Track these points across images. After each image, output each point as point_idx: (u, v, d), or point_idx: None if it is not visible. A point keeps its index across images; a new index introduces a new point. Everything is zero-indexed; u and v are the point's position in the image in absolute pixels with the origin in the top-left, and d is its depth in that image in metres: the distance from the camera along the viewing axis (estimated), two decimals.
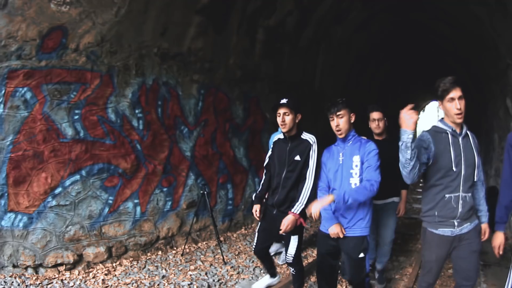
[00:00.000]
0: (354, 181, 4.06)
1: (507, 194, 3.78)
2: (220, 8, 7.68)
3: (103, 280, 6.30)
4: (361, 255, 4.06)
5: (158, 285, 6.29)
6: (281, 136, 4.89)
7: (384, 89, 16.39)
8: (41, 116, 6.22)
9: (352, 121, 4.15)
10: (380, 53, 12.93)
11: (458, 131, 3.59)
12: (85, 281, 6.23)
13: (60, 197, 6.40)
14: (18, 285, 5.80)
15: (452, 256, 3.75)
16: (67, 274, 6.33)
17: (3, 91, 5.92)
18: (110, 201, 6.90)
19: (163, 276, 6.57)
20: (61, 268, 6.34)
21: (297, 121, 4.61)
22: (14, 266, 6.02)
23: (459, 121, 3.50)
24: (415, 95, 25.66)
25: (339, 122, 4.06)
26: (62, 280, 6.16)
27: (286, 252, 4.79)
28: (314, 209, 3.93)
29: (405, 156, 3.38)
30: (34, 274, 6.12)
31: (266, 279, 5.70)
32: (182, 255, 7.46)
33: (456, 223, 3.59)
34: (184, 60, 7.77)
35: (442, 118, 3.69)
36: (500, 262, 6.21)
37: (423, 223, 3.86)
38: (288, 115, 4.50)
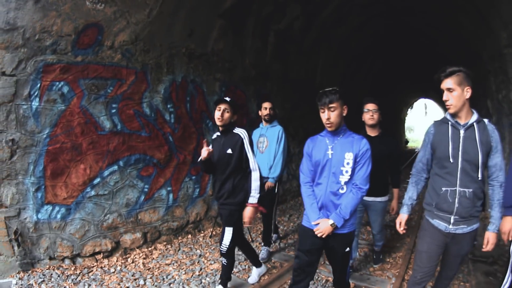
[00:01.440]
0: (344, 179, 2.79)
1: None
2: (239, 12, 6.26)
3: (143, 263, 4.85)
4: (347, 249, 2.91)
5: (198, 262, 4.97)
6: (218, 133, 3.83)
7: (376, 87, 14.47)
8: (79, 110, 4.71)
9: (344, 114, 2.83)
10: (372, 54, 11.39)
11: (461, 122, 2.61)
12: (125, 266, 4.76)
13: (98, 187, 4.91)
14: (58, 276, 4.29)
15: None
16: (105, 261, 4.85)
17: (38, 85, 4.39)
18: (146, 189, 5.41)
19: (200, 255, 5.19)
20: (99, 257, 4.85)
21: (232, 120, 3.67)
22: (50, 259, 4.50)
23: (450, 111, 2.62)
24: (404, 92, 22.67)
25: (330, 115, 2.75)
26: (101, 267, 4.67)
27: (220, 243, 3.69)
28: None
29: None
30: (72, 264, 4.61)
31: (254, 271, 4.35)
32: (210, 237, 6.00)
33: (452, 220, 2.63)
34: (208, 60, 6.27)
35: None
36: (488, 257, 4.77)
37: (424, 212, 2.91)
38: (227, 112, 3.60)
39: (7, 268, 4.17)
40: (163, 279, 4.40)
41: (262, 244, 5.21)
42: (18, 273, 4.18)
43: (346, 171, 2.78)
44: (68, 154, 4.63)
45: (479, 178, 2.54)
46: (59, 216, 4.58)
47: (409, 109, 26.97)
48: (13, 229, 4.23)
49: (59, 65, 4.48)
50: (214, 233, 6.14)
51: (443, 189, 2.62)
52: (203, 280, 4.43)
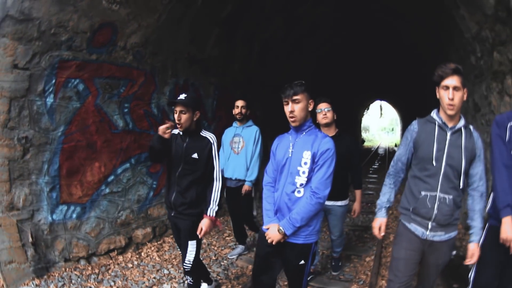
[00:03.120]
0: (300, 180, 2.05)
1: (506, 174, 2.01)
2: (232, 22, 5.66)
3: (158, 255, 4.09)
4: (302, 262, 2.10)
5: (209, 249, 4.36)
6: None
7: (337, 90, 13.16)
8: (94, 108, 3.80)
9: (310, 109, 2.15)
10: (336, 59, 10.89)
11: (449, 124, 1.99)
12: (141, 260, 3.96)
13: (113, 184, 4.02)
14: (78, 277, 3.38)
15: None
16: (120, 258, 3.98)
17: (53, 81, 3.43)
18: (154, 186, 4.59)
19: (208, 244, 4.53)
20: (113, 254, 3.96)
21: (195, 119, 2.58)
22: (65, 261, 3.54)
23: (450, 112, 1.94)
24: (361, 95, 19.84)
25: (294, 107, 2.06)
26: (118, 264, 3.81)
27: (183, 261, 2.64)
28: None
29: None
30: (87, 264, 3.67)
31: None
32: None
33: (429, 226, 2.02)
34: (205, 65, 5.56)
35: (438, 109, 2.08)
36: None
37: (400, 215, 2.21)
38: (184, 113, 2.51)
39: (20, 276, 3.15)
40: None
41: (237, 243, 4.27)
42: (33, 279, 3.20)
43: (303, 172, 2.04)
44: (84, 152, 3.71)
45: (460, 186, 2.00)
46: (74, 215, 3.64)
47: (365, 111, 24.08)
48: (26, 233, 3.23)
49: (74, 62, 3.56)
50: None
51: (423, 193, 2.02)
52: (221, 263, 3.90)
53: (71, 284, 3.24)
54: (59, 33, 3.39)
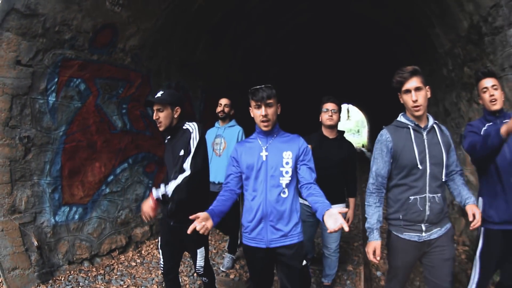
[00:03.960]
0: (285, 181, 1.86)
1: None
2: (220, 29, 5.53)
3: (158, 252, 3.83)
4: (304, 262, 1.90)
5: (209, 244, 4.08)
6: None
7: (308, 94, 12.65)
8: (94, 108, 3.46)
9: (278, 112, 1.96)
10: (308, 67, 10.64)
11: (421, 125, 1.82)
12: (144, 258, 3.68)
13: (112, 184, 3.68)
14: (85, 279, 3.05)
15: (423, 262, 1.91)
16: (122, 257, 3.66)
17: (56, 79, 3.06)
18: (150, 185, 4.29)
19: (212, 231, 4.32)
20: (114, 254, 3.62)
21: (176, 115, 2.15)
22: (69, 263, 3.16)
23: (418, 113, 1.77)
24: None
25: (268, 111, 1.84)
26: (121, 263, 3.51)
27: (195, 266, 2.31)
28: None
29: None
30: (91, 265, 3.32)
31: None
32: None
33: (424, 228, 1.81)
34: (194, 69, 5.37)
35: (405, 112, 1.89)
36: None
37: (388, 225, 1.96)
38: (161, 111, 2.12)
39: (24, 282, 2.74)
40: (189, 260, 3.53)
41: (227, 251, 3.57)
42: (38, 285, 2.80)
43: (286, 172, 1.86)
44: (84, 152, 3.35)
45: (444, 180, 1.84)
46: (77, 216, 3.27)
47: None
48: (29, 237, 2.82)
49: (77, 61, 3.21)
50: None
51: (412, 198, 1.80)
52: (223, 255, 3.78)
53: (80, 287, 2.90)
54: (63, 31, 3.04)
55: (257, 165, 1.87)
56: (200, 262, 2.30)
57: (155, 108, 2.15)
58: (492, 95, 2.00)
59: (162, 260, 2.30)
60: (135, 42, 3.93)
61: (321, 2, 6.25)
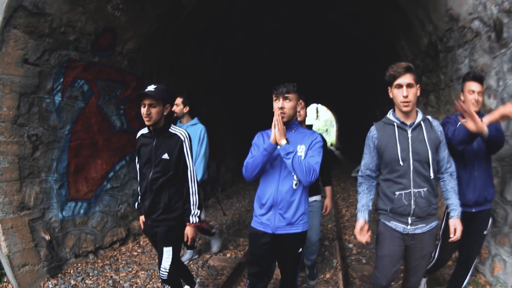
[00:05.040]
0: None
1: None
2: (205, 34, 5.40)
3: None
4: (300, 250, 1.83)
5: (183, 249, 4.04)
6: (145, 130, 2.02)
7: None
8: (96, 109, 3.23)
9: (298, 108, 1.94)
10: (281, 64, 9.82)
11: (408, 122, 1.70)
12: (144, 247, 3.53)
13: (112, 180, 3.46)
14: (93, 269, 2.83)
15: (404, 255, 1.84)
16: (123, 248, 3.45)
17: (61, 80, 2.80)
18: None
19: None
20: (116, 245, 3.41)
21: (165, 113, 1.93)
22: (76, 256, 2.92)
23: (406, 109, 1.66)
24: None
25: (284, 104, 1.77)
26: (123, 253, 3.33)
27: (159, 265, 1.98)
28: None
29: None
30: (95, 257, 3.10)
31: None
32: (205, 208, 4.94)
33: (410, 221, 1.71)
34: (182, 72, 5.21)
35: (394, 109, 1.78)
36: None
37: (377, 215, 1.87)
38: (154, 106, 1.86)
39: (34, 278, 2.47)
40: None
41: (185, 248, 3.20)
42: (48, 280, 2.55)
43: None
44: (88, 150, 3.11)
45: (432, 176, 1.69)
46: (82, 211, 3.02)
47: None
48: (38, 233, 2.54)
49: (81, 63, 2.98)
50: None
51: (397, 193, 1.70)
52: (222, 233, 3.81)
53: (90, 277, 2.71)
54: (68, 32, 2.80)
55: (274, 154, 1.76)
56: (165, 262, 1.93)
57: (146, 102, 1.85)
58: (477, 100, 1.95)
59: (159, 260, 2.00)
60: (131, 46, 3.74)
61: (297, 10, 6.26)
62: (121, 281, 2.71)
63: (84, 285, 2.58)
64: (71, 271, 2.75)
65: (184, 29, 4.76)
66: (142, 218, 2.07)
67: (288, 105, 1.77)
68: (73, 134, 2.95)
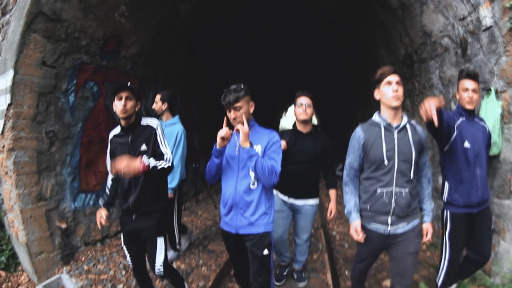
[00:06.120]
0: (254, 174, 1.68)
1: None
2: (197, 40, 5.58)
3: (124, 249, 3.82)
4: (266, 251, 1.71)
5: (196, 218, 4.45)
6: (116, 131, 1.99)
7: (266, 95, 11.60)
8: (103, 108, 3.37)
9: (251, 111, 1.75)
10: (266, 67, 9.91)
11: (393, 123, 1.68)
12: None
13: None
14: (103, 256, 2.97)
15: (388, 253, 1.81)
16: None
17: (74, 81, 2.94)
18: None
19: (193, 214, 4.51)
20: (119, 235, 3.55)
21: (137, 109, 1.92)
22: (86, 244, 3.05)
23: (396, 103, 1.63)
24: (281, 99, 16.07)
25: (237, 114, 1.68)
26: None
27: (153, 263, 1.91)
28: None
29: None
30: (103, 246, 3.23)
31: None
32: (196, 202, 5.43)
33: (389, 221, 1.68)
34: (176, 75, 5.37)
35: (379, 111, 1.75)
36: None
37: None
38: (130, 99, 1.85)
39: (49, 265, 2.60)
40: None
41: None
42: (62, 266, 2.68)
43: None
44: (96, 146, 3.25)
45: (411, 177, 1.67)
46: (91, 202, 3.16)
47: (284, 113, 22.06)
48: (54, 222, 2.67)
49: (91, 66, 3.12)
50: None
51: (379, 190, 1.67)
52: (216, 223, 4.02)
53: (101, 262, 2.86)
54: (81, 37, 2.95)
55: (233, 156, 1.73)
56: (159, 257, 1.89)
57: (123, 95, 1.82)
58: (471, 97, 1.90)
59: (129, 258, 1.98)
60: (134, 51, 3.90)
61: (283, 16, 6.42)
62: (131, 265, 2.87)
63: (97, 269, 2.73)
64: (83, 258, 2.89)
65: (179, 35, 4.94)
66: (104, 213, 1.92)
67: (239, 113, 1.67)
68: (84, 131, 3.09)
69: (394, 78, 1.64)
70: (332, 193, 2.42)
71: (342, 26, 5.98)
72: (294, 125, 2.39)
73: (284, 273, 2.61)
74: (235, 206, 1.70)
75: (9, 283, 2.59)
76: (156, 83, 4.76)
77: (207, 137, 7.31)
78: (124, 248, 1.98)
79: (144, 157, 1.79)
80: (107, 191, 2.02)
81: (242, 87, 1.69)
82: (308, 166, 2.27)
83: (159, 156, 1.86)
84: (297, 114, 2.31)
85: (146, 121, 1.94)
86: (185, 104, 5.96)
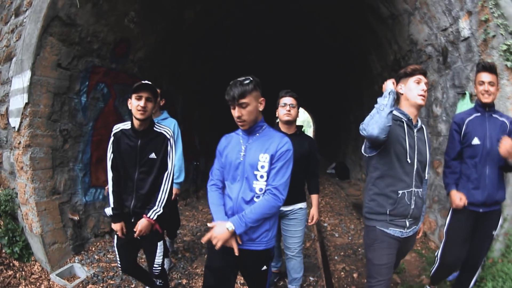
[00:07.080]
0: (259, 185, 1.42)
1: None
2: (199, 45, 5.68)
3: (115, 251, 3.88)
4: (264, 267, 1.50)
5: (194, 217, 4.44)
6: (125, 126, 1.85)
7: (266, 94, 10.59)
8: (113, 109, 3.48)
9: (261, 109, 1.46)
10: (265, 68, 9.57)
11: (414, 121, 1.59)
12: None
13: None
14: (112, 247, 3.04)
15: None
16: None
17: (87, 83, 3.04)
18: None
19: (193, 214, 4.58)
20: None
21: (154, 111, 1.89)
22: (95, 236, 3.13)
23: (422, 102, 1.55)
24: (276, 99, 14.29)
25: (242, 112, 1.39)
26: None
27: (152, 264, 1.88)
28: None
29: (383, 101, 1.47)
30: (111, 238, 3.32)
31: None
32: (197, 198, 5.52)
33: (407, 223, 1.57)
34: (179, 78, 5.47)
35: (398, 107, 1.64)
36: None
37: (368, 221, 1.63)
38: (150, 101, 1.72)
39: (62, 255, 2.69)
40: (188, 225, 3.80)
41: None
42: (74, 256, 2.77)
43: (261, 176, 1.42)
44: (106, 144, 3.25)
45: (425, 178, 1.64)
46: (100, 196, 3.24)
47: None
48: (67, 215, 2.76)
49: (102, 68, 3.23)
50: (194, 199, 5.38)
51: (400, 192, 1.53)
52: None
53: (110, 252, 2.95)
54: (93, 41, 3.06)
55: (235, 163, 1.46)
56: (158, 258, 1.86)
57: (144, 95, 1.68)
58: (487, 90, 1.76)
59: (119, 259, 1.89)
60: (141, 55, 4.01)
61: (283, 22, 6.54)
62: (139, 254, 2.94)
63: (107, 258, 2.82)
64: (93, 249, 2.97)
65: (184, 39, 5.05)
66: (122, 225, 1.79)
67: (245, 111, 1.38)
68: (95, 130, 3.18)
69: (424, 79, 1.59)
70: (314, 198, 2.21)
71: (337, 33, 6.16)
72: (277, 126, 2.15)
73: (275, 280, 2.43)
74: None
75: (23, 273, 2.66)
76: (161, 86, 4.84)
77: (207, 138, 7.47)
78: (116, 250, 1.89)
79: (150, 212, 1.73)
80: (112, 195, 1.86)
81: (250, 79, 1.39)
82: (296, 169, 1.81)
83: (163, 166, 1.78)
84: (280, 115, 2.11)
85: (159, 128, 1.81)
86: (187, 106, 6.07)
